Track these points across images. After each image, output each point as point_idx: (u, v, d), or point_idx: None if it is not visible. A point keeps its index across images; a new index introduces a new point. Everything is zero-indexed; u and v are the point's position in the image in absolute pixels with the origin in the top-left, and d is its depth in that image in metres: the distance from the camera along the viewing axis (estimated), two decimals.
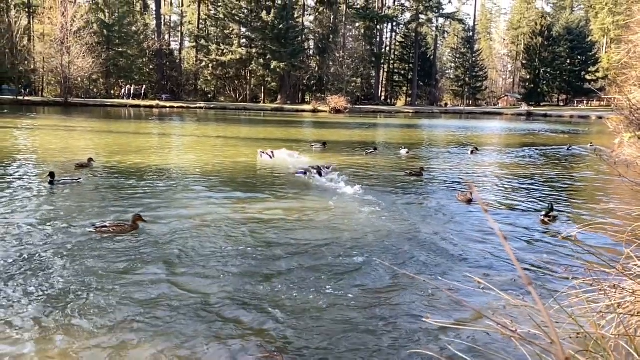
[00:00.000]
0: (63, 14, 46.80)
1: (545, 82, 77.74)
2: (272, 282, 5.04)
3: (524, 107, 69.43)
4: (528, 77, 79.40)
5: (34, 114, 34.01)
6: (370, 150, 16.69)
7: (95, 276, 5.03)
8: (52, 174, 9.38)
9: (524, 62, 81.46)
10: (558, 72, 76.30)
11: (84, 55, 47.73)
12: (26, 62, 48.68)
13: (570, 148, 19.67)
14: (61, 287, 4.77)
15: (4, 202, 8.00)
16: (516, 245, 6.51)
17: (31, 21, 56.25)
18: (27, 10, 56.37)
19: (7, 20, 50.10)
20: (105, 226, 6.47)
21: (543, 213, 7.86)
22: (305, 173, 11.43)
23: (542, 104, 76.63)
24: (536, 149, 20.08)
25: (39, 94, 53.43)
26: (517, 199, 9.78)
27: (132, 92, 54.54)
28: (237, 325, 4.17)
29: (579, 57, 76.43)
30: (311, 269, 5.42)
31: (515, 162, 15.80)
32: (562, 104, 79.29)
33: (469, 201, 8.76)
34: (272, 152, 14.21)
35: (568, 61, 76.53)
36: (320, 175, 11.18)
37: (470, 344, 3.91)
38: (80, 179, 9.81)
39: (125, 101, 51.55)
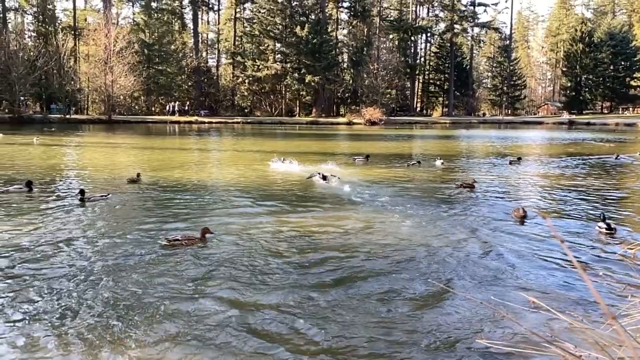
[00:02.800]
0: (106, 35, 48.89)
1: (587, 89, 75.45)
2: (318, 300, 5.01)
3: (566, 116, 67.50)
4: (569, 84, 77.21)
5: (80, 132, 35.44)
6: (412, 163, 16.52)
7: (159, 286, 5.13)
8: (82, 191, 9.62)
9: (564, 69, 79.36)
10: (601, 79, 73.93)
11: (126, 74, 49.57)
12: (72, 82, 50.86)
13: (618, 157, 18.90)
14: (113, 296, 4.88)
15: (67, 216, 8.30)
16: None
17: (77, 43, 58.88)
18: (73, 32, 59.08)
19: (55, 42, 52.66)
20: (178, 239, 6.68)
21: (603, 227, 7.51)
22: (324, 178, 12.17)
23: (584, 112, 74.26)
24: (581, 159, 19.40)
25: (84, 112, 55.67)
26: (568, 210, 9.42)
27: (176, 108, 56.10)
28: (292, 347, 4.15)
29: (623, 63, 73.79)
30: (358, 287, 5.36)
31: (562, 173, 15.29)
32: (606, 112, 76.58)
33: (523, 217, 8.43)
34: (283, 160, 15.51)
35: (611, 67, 74.02)
36: (325, 179, 12.06)
37: None
38: (109, 195, 9.97)
39: (166, 117, 53.06)
